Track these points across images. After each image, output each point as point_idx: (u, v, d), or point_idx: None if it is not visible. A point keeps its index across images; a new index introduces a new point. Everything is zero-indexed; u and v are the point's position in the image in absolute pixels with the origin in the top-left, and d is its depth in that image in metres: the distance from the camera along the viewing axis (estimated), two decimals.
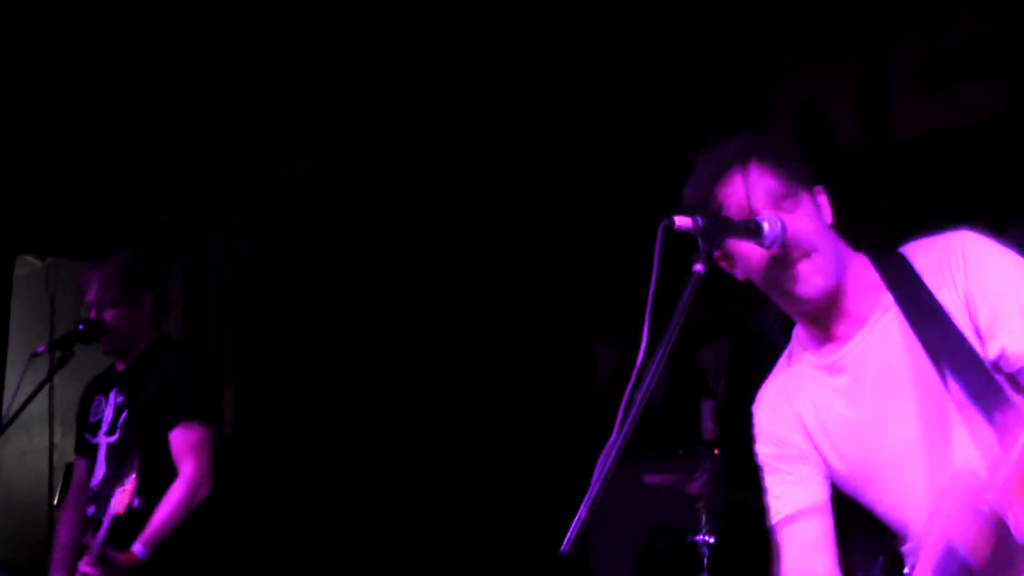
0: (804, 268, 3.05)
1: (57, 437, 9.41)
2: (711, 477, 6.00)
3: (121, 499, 5.01)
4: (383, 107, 7.98)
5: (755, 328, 7.17)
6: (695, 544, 5.98)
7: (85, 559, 5.04)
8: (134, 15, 6.90)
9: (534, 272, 7.96)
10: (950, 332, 2.99)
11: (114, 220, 8.75)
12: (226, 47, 7.32)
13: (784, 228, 3.00)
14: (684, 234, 2.87)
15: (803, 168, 3.12)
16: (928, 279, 3.04)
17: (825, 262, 3.05)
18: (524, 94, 7.64)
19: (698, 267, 2.83)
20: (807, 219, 3.06)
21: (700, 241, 2.86)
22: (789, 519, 3.31)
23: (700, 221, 2.86)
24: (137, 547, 5.12)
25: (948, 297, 3.01)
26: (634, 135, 7.43)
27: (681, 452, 6.42)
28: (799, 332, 3.28)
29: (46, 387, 9.10)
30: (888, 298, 3.09)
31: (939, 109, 6.31)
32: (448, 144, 8.20)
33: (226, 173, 8.98)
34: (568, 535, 2.62)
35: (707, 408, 6.67)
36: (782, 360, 3.35)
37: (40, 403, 9.27)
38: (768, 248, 3.01)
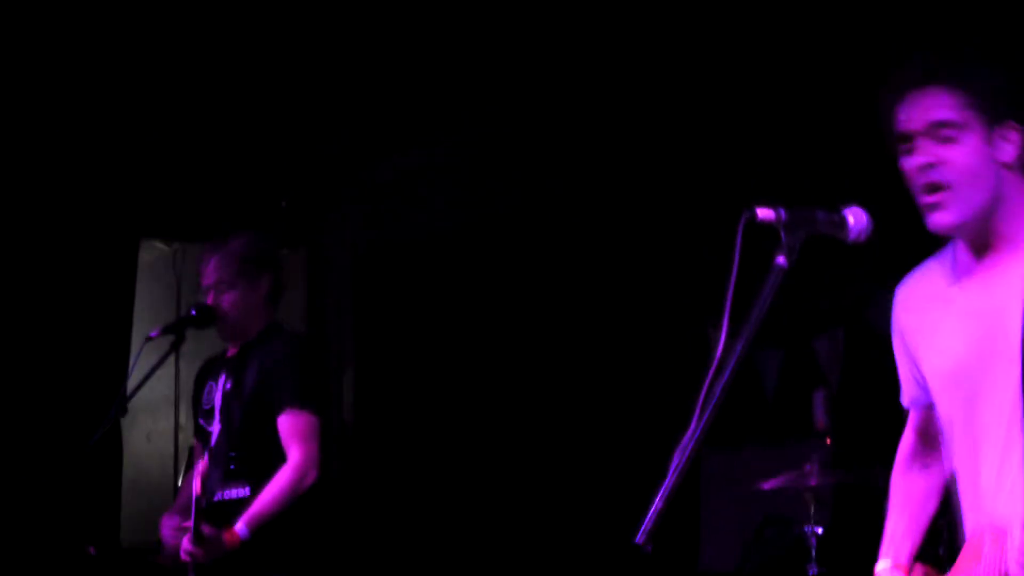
0: (937, 200, 3.07)
1: (182, 419, 9.56)
2: (821, 467, 5.95)
3: (196, 480, 5.09)
4: (496, 99, 8.00)
5: (869, 320, 7.11)
6: (803, 534, 5.95)
7: (185, 539, 5.13)
8: (261, 6, 6.99)
9: (649, 261, 7.94)
10: None
11: (239, 205, 8.86)
12: (347, 37, 7.38)
13: (869, 221, 2.99)
14: (768, 225, 2.87)
15: (993, 96, 3.08)
16: None
17: (957, 202, 3.06)
18: (629, 90, 7.61)
19: (780, 260, 2.82)
20: (959, 155, 3.05)
21: (783, 234, 2.85)
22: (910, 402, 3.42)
23: (783, 214, 2.85)
24: (239, 526, 5.14)
25: None
26: (745, 129, 7.38)
27: (792, 442, 6.39)
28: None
29: (172, 370, 9.36)
30: None
31: None
32: (561, 133, 8.20)
33: (343, 161, 9.06)
34: (643, 525, 2.61)
35: (819, 398, 6.62)
36: (937, 256, 3.33)
37: (166, 385, 9.46)
38: (855, 241, 3.00)
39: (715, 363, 2.73)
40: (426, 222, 9.13)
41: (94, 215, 8.32)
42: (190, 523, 5.11)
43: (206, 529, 5.09)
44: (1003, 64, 3.16)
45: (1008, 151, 3.08)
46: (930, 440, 3.40)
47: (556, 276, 8.36)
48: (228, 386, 5.51)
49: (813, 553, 5.89)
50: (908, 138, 3.10)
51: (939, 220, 3.08)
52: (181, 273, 9.73)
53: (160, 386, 9.41)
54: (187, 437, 9.78)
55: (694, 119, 7.62)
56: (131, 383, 5.57)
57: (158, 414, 9.58)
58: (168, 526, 5.50)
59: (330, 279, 9.65)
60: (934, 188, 3.06)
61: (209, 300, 5.55)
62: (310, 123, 8.41)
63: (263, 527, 5.21)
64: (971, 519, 3.14)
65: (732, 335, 2.76)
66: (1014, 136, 3.08)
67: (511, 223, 8.59)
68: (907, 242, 3.29)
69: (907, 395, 3.41)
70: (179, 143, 8.34)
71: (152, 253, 9.58)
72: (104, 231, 8.40)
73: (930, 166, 3.06)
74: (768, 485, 6.03)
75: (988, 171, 3.06)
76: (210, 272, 5.57)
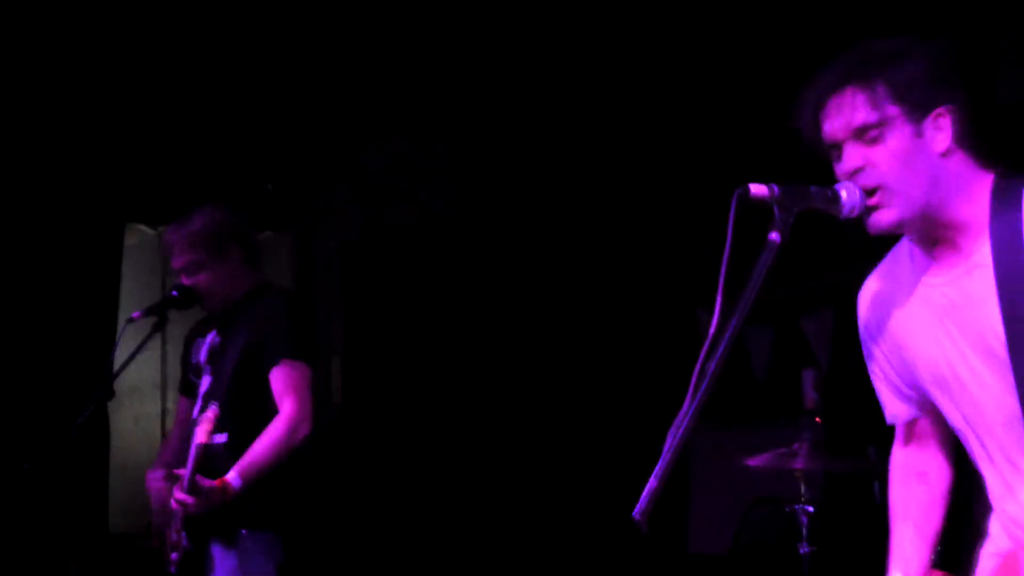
0: (874, 202, 2.98)
1: (170, 403, 9.54)
2: (812, 446, 5.95)
3: (204, 427, 5.01)
4: (487, 85, 7.99)
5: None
6: (794, 513, 5.94)
7: (177, 488, 5.05)
8: None
9: (638, 244, 7.94)
10: (1019, 297, 2.90)
11: (224, 189, 8.85)
12: (337, 22, 7.35)
13: (862, 195, 2.95)
14: (761, 202, 2.85)
15: (915, 87, 3.00)
16: None
17: (895, 200, 2.97)
18: (621, 75, 7.60)
19: (774, 236, 2.80)
20: (887, 153, 2.97)
21: (776, 209, 2.82)
22: (892, 418, 3.36)
23: (776, 190, 2.82)
24: (231, 475, 5.05)
25: None
26: (739, 114, 7.37)
27: (782, 421, 6.39)
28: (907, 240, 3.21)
29: (159, 354, 9.34)
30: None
31: None
32: (553, 119, 8.19)
33: (332, 145, 9.05)
34: (640, 503, 2.58)
35: (808, 377, 6.61)
36: (888, 257, 3.27)
37: (153, 369, 9.45)
38: (847, 216, 2.97)
39: (708, 341, 2.70)
40: (415, 207, 9.13)
41: (79, 199, 8.30)
42: (182, 471, 5.02)
43: (199, 478, 5.03)
44: (919, 54, 3.06)
45: (941, 139, 3.00)
46: (921, 450, 3.35)
47: (546, 260, 8.37)
48: (216, 341, 5.49)
49: (804, 532, 5.89)
50: (836, 145, 3.03)
51: (880, 220, 2.99)
52: (166, 257, 9.71)
53: (147, 370, 9.41)
54: (174, 421, 9.80)
55: (685, 101, 7.61)
56: (115, 366, 5.53)
57: (145, 398, 9.57)
58: (155, 477, 5.47)
59: (318, 264, 9.64)
60: (869, 192, 2.97)
61: (185, 282, 5.53)
62: (298, 107, 8.40)
63: (255, 480, 5.13)
64: (1004, 518, 3.10)
65: (725, 313, 2.73)
66: (945, 122, 3.00)
67: (501, 209, 8.59)
68: None
69: (888, 412, 3.35)
70: (165, 126, 8.32)
71: (137, 237, 9.56)
72: (89, 215, 8.38)
73: (859, 169, 2.98)
74: (758, 464, 6.02)
75: (923, 164, 2.98)
76: (177, 256, 5.54)
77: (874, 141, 2.98)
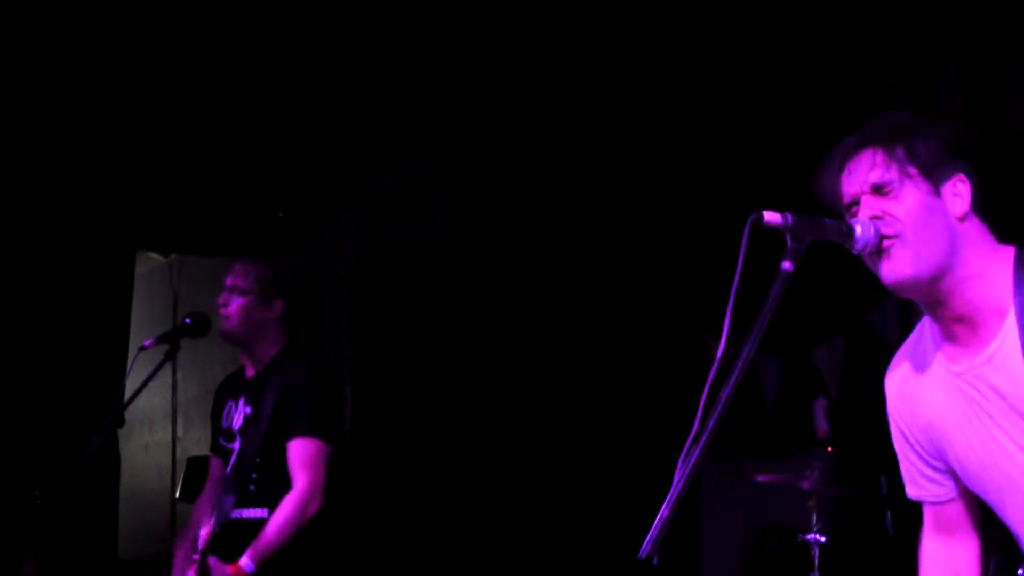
0: (886, 254, 2.93)
1: (180, 431, 9.57)
2: (823, 474, 5.93)
3: (204, 535, 5.04)
4: (491, 111, 8.00)
5: (870, 324, 7.10)
6: (806, 543, 5.92)
7: (191, 571, 5.07)
8: (260, 19, 6.98)
9: (648, 270, 7.94)
10: None
11: (236, 217, 8.87)
12: (344, 52, 7.38)
13: (878, 232, 2.92)
14: (774, 230, 2.83)
15: (933, 153, 2.98)
16: None
17: (909, 252, 2.92)
18: (624, 103, 7.61)
19: (786, 265, 2.76)
20: (904, 206, 2.94)
21: (788, 238, 2.78)
22: (916, 498, 3.31)
23: (790, 219, 2.79)
24: (244, 560, 5.08)
25: None
26: (749, 133, 7.37)
27: (793, 451, 6.37)
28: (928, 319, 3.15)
29: (170, 382, 9.34)
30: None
31: None
32: (557, 146, 8.20)
33: (340, 173, 9.06)
34: (649, 537, 2.55)
35: (820, 407, 6.60)
36: (913, 336, 3.22)
37: (163, 398, 9.46)
38: (859, 252, 2.94)
39: (715, 369, 2.67)
40: (422, 234, 9.13)
41: (91, 226, 8.32)
42: (197, 555, 5.05)
43: (212, 562, 5.04)
44: (937, 127, 3.07)
45: (960, 204, 2.97)
46: (952, 541, 3.30)
47: (553, 287, 8.36)
48: (248, 410, 5.48)
49: (815, 562, 5.87)
50: (854, 202, 3.01)
51: (892, 270, 2.94)
52: (178, 284, 9.73)
53: (158, 398, 9.43)
54: (185, 449, 9.81)
55: (692, 126, 7.61)
56: (127, 394, 5.54)
57: (155, 426, 9.60)
58: (181, 552, 5.51)
59: (326, 291, 9.65)
60: (891, 239, 2.93)
61: (220, 300, 5.55)
62: (307, 135, 8.41)
63: (269, 560, 5.14)
64: None
65: (733, 341, 2.71)
66: (964, 188, 2.98)
67: (507, 235, 8.58)
68: None
69: (911, 490, 3.31)
70: (176, 155, 8.34)
71: (148, 264, 9.58)
72: (101, 242, 8.40)
73: (876, 218, 2.95)
74: (769, 494, 6.01)
75: (940, 223, 2.94)
76: (232, 275, 5.58)
77: (892, 196, 2.95)
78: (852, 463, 6.20)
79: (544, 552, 8.16)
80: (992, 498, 3.12)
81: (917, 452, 3.22)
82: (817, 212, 2.95)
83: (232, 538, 5.14)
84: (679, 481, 2.61)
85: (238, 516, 5.26)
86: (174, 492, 9.45)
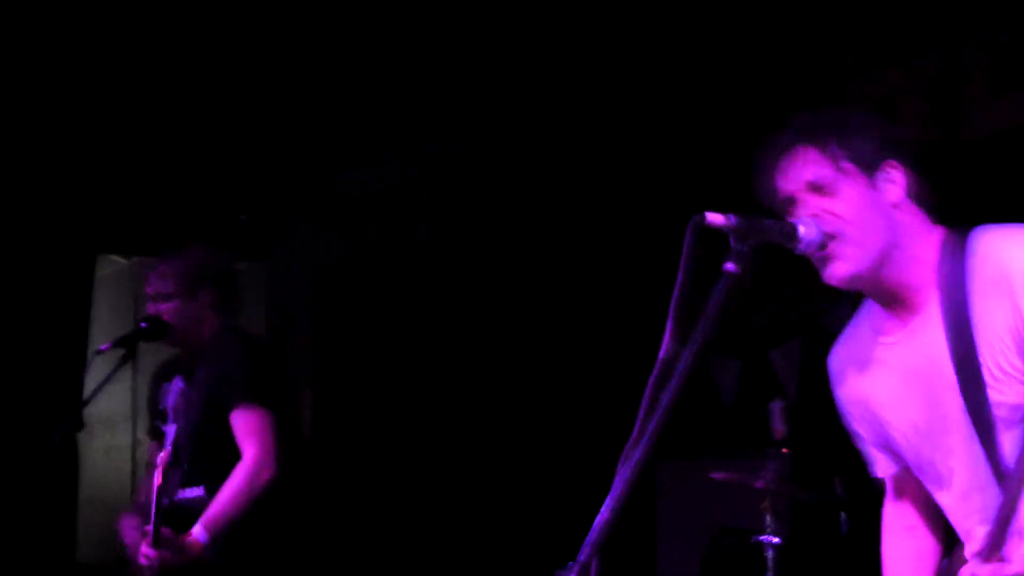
0: (829, 252, 3.00)
1: (140, 434, 9.52)
2: (778, 475, 5.95)
3: (159, 472, 5.01)
4: (461, 113, 8.00)
5: (827, 325, 7.11)
6: (760, 544, 5.94)
7: (144, 543, 5.06)
8: (220, 19, 6.97)
9: (619, 273, 7.92)
10: (970, 351, 2.95)
11: (198, 219, 8.85)
12: (310, 52, 7.37)
13: (820, 232, 2.97)
14: (718, 231, 2.84)
15: (866, 144, 3.05)
16: (977, 280, 2.96)
17: (851, 250, 2.99)
18: (608, 95, 7.62)
19: (729, 266, 2.77)
20: (843, 204, 3.00)
21: (732, 239, 2.80)
22: (882, 472, 3.37)
23: (732, 219, 2.80)
24: (197, 529, 5.09)
25: (993, 307, 2.94)
26: (707, 137, 7.39)
27: (750, 452, 6.38)
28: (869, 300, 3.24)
29: (129, 385, 9.30)
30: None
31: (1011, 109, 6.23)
32: (527, 146, 8.20)
33: (308, 175, 9.06)
34: (588, 539, 2.55)
35: (776, 408, 6.60)
36: (853, 319, 3.30)
37: (123, 401, 9.43)
38: (803, 252, 2.99)
39: (658, 369, 2.69)
40: (387, 237, 9.12)
41: (51, 229, 8.30)
42: (150, 527, 5.03)
43: (165, 532, 5.04)
44: (866, 118, 3.15)
45: (894, 191, 3.04)
46: (910, 504, 3.36)
47: (526, 292, 8.34)
48: (182, 387, 5.50)
49: (770, 563, 5.89)
50: (790, 201, 3.06)
51: (835, 271, 3.02)
52: (138, 287, 9.69)
53: (118, 401, 9.39)
54: (145, 452, 9.77)
55: (665, 131, 7.62)
56: (85, 397, 5.54)
57: (116, 429, 9.55)
58: (128, 526, 5.50)
59: (290, 294, 9.64)
60: (831, 238, 3.00)
61: (150, 310, 5.56)
62: (270, 136, 8.41)
63: (223, 535, 5.14)
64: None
65: (679, 341, 2.72)
66: (897, 175, 3.05)
67: (473, 237, 8.58)
68: None
69: (877, 467, 3.36)
70: (138, 156, 8.33)
71: (109, 267, 9.55)
72: (61, 244, 8.38)
73: (816, 217, 3.01)
74: (725, 496, 6.02)
75: (878, 215, 3.02)
76: (150, 283, 5.65)
77: (829, 193, 3.01)
78: (808, 465, 6.22)
79: (502, 556, 8.15)
80: (927, 472, 3.17)
81: (868, 427, 3.28)
82: (764, 215, 2.98)
83: (174, 520, 5.10)
84: (619, 483, 2.60)
85: (178, 498, 5.26)
86: (134, 495, 9.41)
